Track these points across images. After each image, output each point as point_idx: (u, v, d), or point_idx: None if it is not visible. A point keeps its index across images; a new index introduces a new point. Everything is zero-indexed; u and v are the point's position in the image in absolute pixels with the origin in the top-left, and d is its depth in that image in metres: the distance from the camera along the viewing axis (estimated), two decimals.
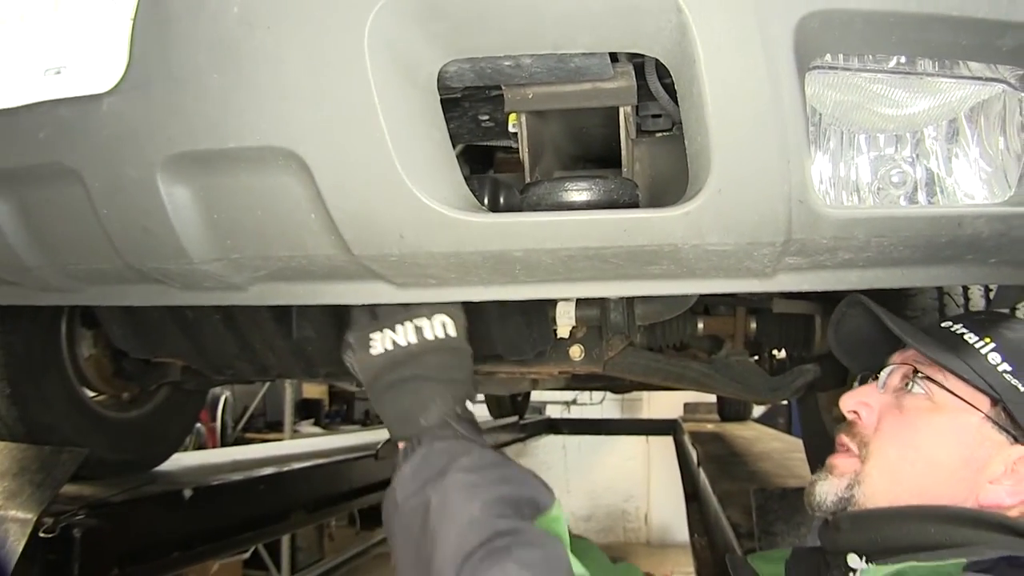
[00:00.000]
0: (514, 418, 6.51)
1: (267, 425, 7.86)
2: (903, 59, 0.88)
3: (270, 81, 0.84)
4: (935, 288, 1.54)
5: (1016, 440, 0.93)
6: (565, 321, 1.53)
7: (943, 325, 1.03)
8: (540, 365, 1.70)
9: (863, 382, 1.10)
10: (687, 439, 4.61)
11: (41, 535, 1.70)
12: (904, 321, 1.05)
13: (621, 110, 1.00)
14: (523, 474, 1.05)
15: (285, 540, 6.12)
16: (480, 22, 0.80)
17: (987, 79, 0.90)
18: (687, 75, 0.80)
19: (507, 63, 0.88)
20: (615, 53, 0.94)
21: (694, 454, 3.91)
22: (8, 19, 0.91)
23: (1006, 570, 0.83)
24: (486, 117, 1.24)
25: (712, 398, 6.23)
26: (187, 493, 2.25)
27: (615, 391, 6.36)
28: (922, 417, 0.97)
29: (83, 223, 1.00)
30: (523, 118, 1.02)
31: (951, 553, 0.87)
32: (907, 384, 1.01)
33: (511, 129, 1.13)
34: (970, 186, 0.95)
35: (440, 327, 1.09)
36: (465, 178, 1.20)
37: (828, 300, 1.80)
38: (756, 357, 2.36)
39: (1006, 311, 1.54)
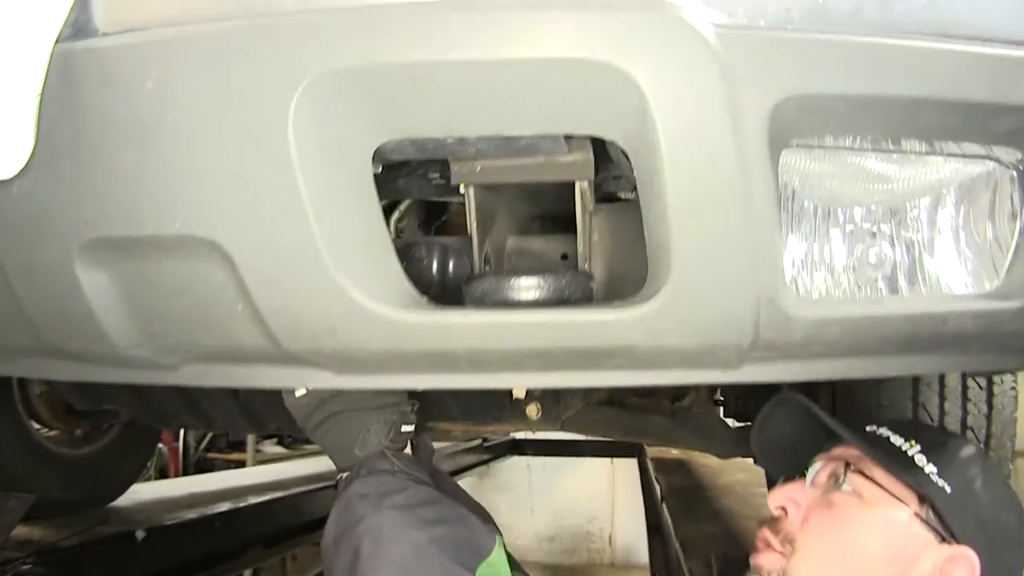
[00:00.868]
0: (478, 440, 6.41)
1: (229, 445, 7.66)
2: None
3: (187, 164, 0.75)
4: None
5: (944, 539, 0.92)
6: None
7: (868, 429, 1.03)
8: (496, 424, 1.61)
9: (788, 480, 1.08)
10: (651, 466, 4.54)
11: None
12: (833, 419, 1.04)
13: (577, 183, 0.91)
14: (460, 513, 0.99)
15: None
16: (418, 103, 0.72)
17: (978, 156, 0.84)
18: (647, 163, 0.72)
19: (450, 140, 0.79)
20: None
21: (657, 487, 3.84)
22: None
23: None
24: (436, 175, 1.14)
25: None
26: (140, 534, 2.14)
27: None
28: (851, 512, 0.96)
29: (2, 302, 0.92)
30: (471, 190, 0.93)
31: None
32: (836, 480, 1.00)
33: (461, 191, 1.05)
34: (953, 274, 0.88)
35: None
36: (411, 244, 1.12)
37: None
38: (723, 400, 2.29)
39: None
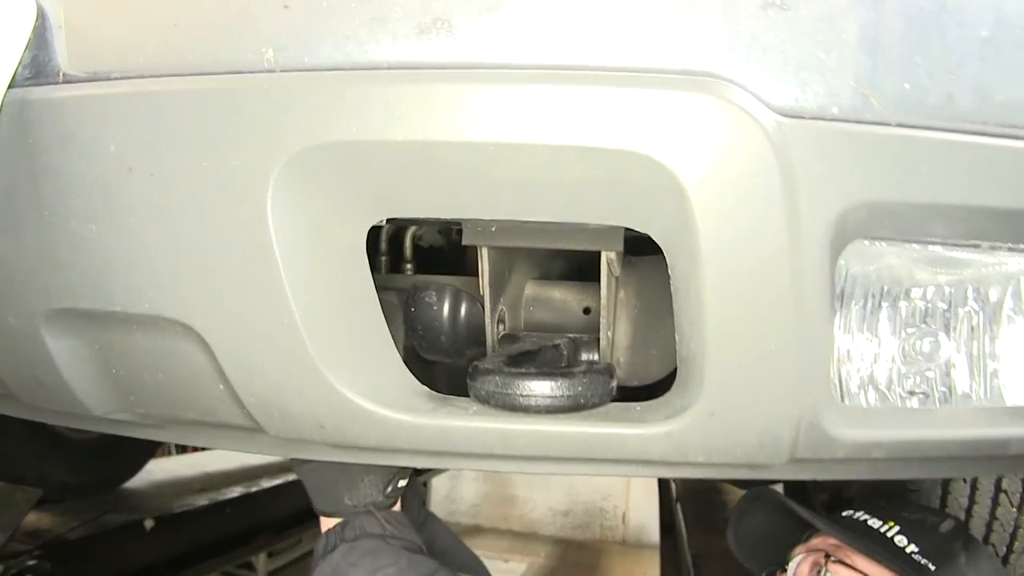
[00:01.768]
0: None
1: None
2: None
3: (156, 239, 0.65)
4: None
5: None
6: None
7: (844, 514, 1.02)
8: None
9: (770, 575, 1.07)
10: None
11: None
12: (809, 510, 1.02)
13: (603, 253, 0.80)
14: None
15: None
16: (418, 184, 0.61)
17: None
18: (684, 268, 0.61)
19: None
20: None
21: (672, 486, 3.75)
22: None
23: None
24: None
25: None
26: (148, 524, 2.10)
27: None
28: None
29: None
30: (484, 251, 0.82)
31: None
32: (818, 571, 0.98)
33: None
34: (1016, 379, 0.76)
35: None
36: (422, 286, 1.01)
37: None
38: None
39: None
